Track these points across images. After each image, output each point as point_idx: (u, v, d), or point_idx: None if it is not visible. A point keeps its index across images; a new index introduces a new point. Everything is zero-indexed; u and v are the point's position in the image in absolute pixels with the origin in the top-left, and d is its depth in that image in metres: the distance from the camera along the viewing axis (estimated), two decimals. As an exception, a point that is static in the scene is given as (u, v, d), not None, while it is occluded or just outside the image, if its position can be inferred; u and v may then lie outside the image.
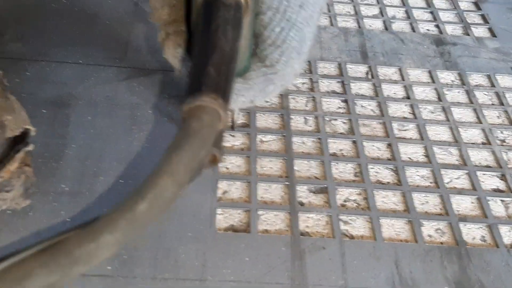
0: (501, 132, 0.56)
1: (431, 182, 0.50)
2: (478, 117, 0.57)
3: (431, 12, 0.71)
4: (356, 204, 0.48)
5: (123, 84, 0.54)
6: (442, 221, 0.47)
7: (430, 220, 0.47)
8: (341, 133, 0.54)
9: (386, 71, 0.61)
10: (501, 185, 0.51)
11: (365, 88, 0.59)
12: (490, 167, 0.52)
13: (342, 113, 0.56)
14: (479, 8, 0.73)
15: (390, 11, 0.71)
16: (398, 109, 0.57)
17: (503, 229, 0.47)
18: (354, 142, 0.53)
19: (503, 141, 0.55)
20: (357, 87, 0.59)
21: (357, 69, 0.61)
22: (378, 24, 0.68)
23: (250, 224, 0.45)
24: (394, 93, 0.59)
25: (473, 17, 0.72)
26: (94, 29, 0.61)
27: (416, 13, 0.71)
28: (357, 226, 0.46)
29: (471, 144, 0.54)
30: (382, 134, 0.54)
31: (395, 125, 0.55)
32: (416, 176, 0.51)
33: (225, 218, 0.45)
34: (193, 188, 0.47)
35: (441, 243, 0.45)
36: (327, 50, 0.63)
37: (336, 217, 0.46)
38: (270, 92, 0.38)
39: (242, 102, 0.39)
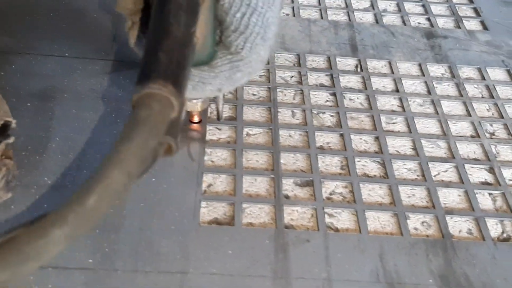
0: (491, 125, 0.55)
1: (418, 175, 0.50)
2: (467, 110, 0.57)
3: (423, 5, 0.71)
4: (342, 197, 0.47)
5: (109, 77, 0.54)
6: (428, 214, 0.46)
7: (416, 213, 0.46)
8: (328, 126, 0.53)
9: (375, 64, 0.61)
10: (489, 178, 0.50)
11: (354, 81, 0.59)
12: (478, 160, 0.52)
13: (330, 106, 0.56)
14: (471, 1, 0.73)
15: (381, 4, 0.70)
16: (387, 102, 0.57)
17: (490, 222, 0.47)
18: (341, 135, 0.53)
19: (493, 134, 0.55)
20: (346, 80, 0.59)
21: (346, 62, 0.61)
22: (369, 17, 0.68)
23: (234, 217, 0.45)
24: (383, 86, 0.58)
25: (465, 10, 0.71)
26: (81, 22, 0.60)
27: (408, 6, 0.70)
28: (342, 219, 0.46)
29: (460, 137, 0.54)
30: (370, 127, 0.54)
31: (383, 118, 0.55)
32: (403, 169, 0.50)
33: (209, 211, 0.45)
34: (177, 181, 0.46)
35: (427, 236, 0.45)
36: (316, 44, 0.62)
37: (321, 210, 0.46)
38: (238, 80, 0.38)
39: (210, 91, 0.38)
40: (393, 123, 0.54)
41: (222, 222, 0.44)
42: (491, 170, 0.51)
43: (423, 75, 0.60)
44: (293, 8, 0.67)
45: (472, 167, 0.51)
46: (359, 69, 0.60)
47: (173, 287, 0.39)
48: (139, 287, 0.39)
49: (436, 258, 0.43)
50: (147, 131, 0.25)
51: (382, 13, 0.68)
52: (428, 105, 0.57)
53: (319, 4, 0.69)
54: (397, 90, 0.58)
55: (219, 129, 0.52)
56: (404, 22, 0.67)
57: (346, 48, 0.62)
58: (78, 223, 0.22)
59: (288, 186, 0.48)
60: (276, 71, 0.58)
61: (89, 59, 0.56)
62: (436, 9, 0.71)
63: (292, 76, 0.58)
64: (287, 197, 0.47)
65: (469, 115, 0.56)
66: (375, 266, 0.42)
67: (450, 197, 0.48)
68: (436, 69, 0.61)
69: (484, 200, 0.48)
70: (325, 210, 0.46)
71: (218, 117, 0.51)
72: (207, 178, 0.47)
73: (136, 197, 0.44)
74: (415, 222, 0.46)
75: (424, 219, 0.46)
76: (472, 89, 0.59)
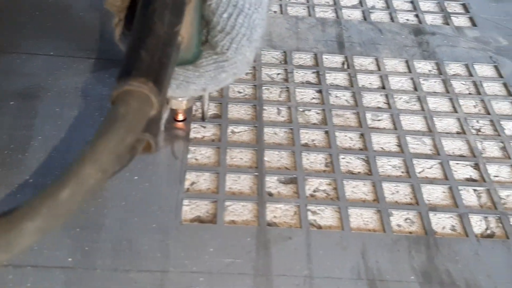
0: (477, 122, 0.55)
1: (402, 172, 0.50)
2: (454, 107, 0.56)
3: (411, 2, 0.71)
4: (326, 194, 0.47)
5: (93, 76, 0.54)
6: (412, 210, 0.46)
7: (400, 209, 0.46)
8: (314, 124, 0.53)
9: (362, 61, 0.61)
10: (474, 174, 0.50)
11: (340, 78, 0.58)
12: (463, 156, 0.52)
13: (316, 103, 0.55)
14: (460, -2, 0.72)
15: (369, 1, 0.70)
16: (373, 99, 0.56)
17: (474, 219, 0.47)
18: (326, 132, 0.52)
19: (479, 130, 0.54)
20: (332, 78, 0.58)
21: (333, 60, 0.60)
22: (357, 14, 0.68)
23: (217, 215, 0.44)
24: (370, 83, 0.58)
25: (454, 7, 0.71)
26: (67, 21, 0.60)
27: (396, 3, 0.70)
28: (326, 216, 0.46)
29: (446, 134, 0.53)
30: (355, 124, 0.53)
31: (368, 115, 0.55)
32: (388, 165, 0.50)
33: (192, 209, 0.45)
34: (160, 179, 0.46)
35: (410, 232, 0.45)
36: (303, 41, 0.62)
37: (304, 207, 0.46)
38: (223, 80, 0.38)
39: (194, 90, 0.38)
40: (379, 120, 0.54)
41: (205, 220, 0.44)
42: (476, 167, 0.51)
43: (410, 72, 0.60)
44: (281, 6, 0.67)
45: (457, 163, 0.51)
46: (345, 66, 0.60)
47: (153, 286, 0.39)
48: (119, 286, 0.39)
49: (418, 255, 0.43)
50: (124, 127, 0.25)
51: (370, 10, 0.68)
52: (414, 101, 0.56)
53: (307, 1, 0.68)
54: (384, 87, 0.58)
55: (204, 127, 0.52)
56: (392, 19, 0.67)
57: (333, 45, 0.62)
58: (50, 216, 0.22)
59: (272, 183, 0.48)
60: (263, 68, 0.58)
61: (74, 58, 0.56)
62: (424, 5, 0.70)
63: (278, 74, 0.58)
64: (270, 194, 0.47)
65: (455, 111, 0.56)
66: (357, 263, 0.42)
67: (434, 194, 0.48)
68: (423, 66, 0.61)
69: (469, 196, 0.48)
70: (308, 207, 0.46)
71: (203, 117, 0.51)
72: (191, 176, 0.47)
73: (118, 195, 0.44)
74: (398, 219, 0.46)
75: (408, 216, 0.46)
76: (459, 86, 0.59)
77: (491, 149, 0.53)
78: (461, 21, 0.68)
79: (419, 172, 0.50)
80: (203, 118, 0.51)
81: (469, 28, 0.67)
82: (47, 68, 0.54)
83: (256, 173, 0.48)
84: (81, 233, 0.42)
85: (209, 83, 0.38)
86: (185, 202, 0.45)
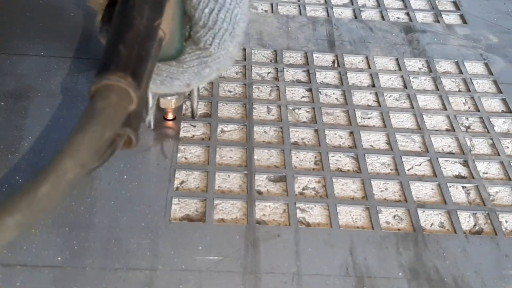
0: (467, 119, 0.56)
1: (391, 169, 0.50)
2: (443, 104, 0.57)
3: (402, 0, 0.71)
4: (315, 192, 0.47)
5: (84, 76, 0.54)
6: (400, 207, 0.47)
7: (388, 206, 0.47)
8: (303, 122, 0.53)
9: (352, 60, 0.61)
10: (463, 171, 0.50)
11: (330, 76, 0.59)
12: (453, 153, 0.52)
13: (306, 102, 0.56)
14: (451, -5, 0.73)
15: (360, 0, 0.70)
16: (363, 97, 0.57)
17: (463, 215, 0.47)
18: (316, 130, 0.53)
19: (468, 127, 0.55)
20: (322, 76, 0.59)
21: (324, 58, 0.61)
22: (347, 13, 0.68)
23: (206, 213, 0.45)
24: (360, 82, 0.58)
25: (445, 4, 0.71)
26: (58, 21, 0.60)
27: (387, 1, 0.70)
28: (314, 213, 0.46)
29: (435, 131, 0.54)
30: (345, 122, 0.54)
31: (358, 113, 0.55)
32: (377, 163, 0.50)
33: (181, 207, 0.45)
34: (149, 178, 0.46)
35: (398, 229, 0.45)
36: (294, 40, 0.62)
37: (293, 205, 0.46)
38: (206, 75, 0.38)
39: (178, 86, 0.38)
40: (368, 118, 0.54)
41: (194, 218, 0.44)
42: (465, 163, 0.51)
43: (400, 70, 0.60)
44: (271, 5, 0.67)
45: (446, 160, 0.51)
46: (336, 65, 0.60)
47: (142, 284, 0.39)
48: (108, 284, 0.39)
49: (406, 252, 0.43)
50: (103, 122, 0.25)
51: (361, 8, 0.68)
52: (404, 99, 0.57)
53: (298, 0, 0.69)
54: (374, 85, 0.58)
55: (194, 126, 0.52)
56: (383, 17, 0.67)
57: (323, 44, 0.62)
58: (29, 211, 0.22)
59: (261, 181, 0.48)
60: (253, 67, 0.59)
61: (65, 58, 0.56)
62: (415, 3, 0.71)
63: (268, 73, 0.58)
64: (259, 192, 0.47)
65: (445, 109, 0.56)
66: (345, 260, 0.42)
67: (423, 191, 0.48)
68: (414, 64, 0.61)
69: (457, 193, 0.49)
70: (297, 205, 0.46)
71: (193, 115, 0.51)
72: (180, 175, 0.48)
73: (107, 194, 0.44)
74: (387, 216, 0.46)
75: (396, 213, 0.46)
76: (449, 83, 0.59)
77: (480, 146, 0.53)
78: (451, 18, 0.69)
79: (408, 170, 0.50)
80: (192, 116, 0.51)
81: (460, 25, 0.67)
82: (38, 69, 0.54)
83: (245, 172, 0.48)
84: (70, 232, 0.42)
85: (193, 79, 0.38)
86: (175, 200, 0.45)
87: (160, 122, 0.51)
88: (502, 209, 0.47)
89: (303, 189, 0.48)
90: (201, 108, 0.53)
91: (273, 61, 0.60)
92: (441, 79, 0.59)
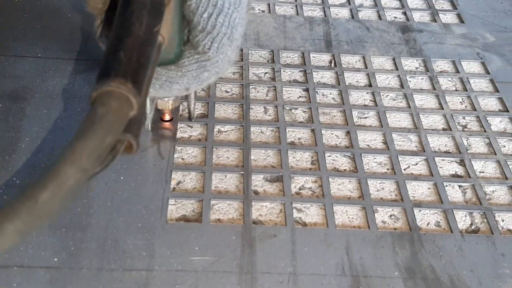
0: (463, 118, 0.56)
1: (388, 169, 0.50)
2: (440, 103, 0.57)
3: (399, 0, 0.71)
4: (311, 192, 0.47)
5: (81, 77, 0.54)
6: (397, 207, 0.47)
7: (385, 206, 0.47)
8: (300, 122, 0.54)
9: (349, 59, 0.61)
10: (459, 170, 0.51)
11: (327, 76, 0.59)
12: (449, 152, 0.52)
13: (303, 102, 0.56)
14: (448, -5, 0.73)
15: None
16: (360, 97, 0.57)
17: (459, 214, 0.47)
18: (312, 130, 0.53)
19: (465, 126, 0.55)
20: (319, 76, 0.59)
21: (321, 58, 0.61)
22: (344, 13, 0.68)
23: (202, 213, 0.45)
24: (357, 81, 0.59)
25: (442, 3, 0.71)
26: (55, 22, 0.60)
27: (384, 1, 0.70)
28: (311, 213, 0.46)
29: (432, 130, 0.54)
30: (342, 122, 0.54)
31: (355, 113, 0.55)
32: (373, 163, 0.50)
33: (178, 208, 0.45)
34: (146, 179, 0.46)
35: (394, 229, 0.45)
36: (291, 40, 0.63)
37: (290, 205, 0.46)
38: (205, 79, 0.38)
39: (177, 90, 0.38)
40: (365, 118, 0.54)
41: (190, 219, 0.45)
42: (461, 163, 0.51)
43: (397, 69, 0.60)
44: (268, 5, 0.67)
45: (443, 159, 0.51)
46: (333, 65, 0.60)
47: (138, 285, 0.40)
48: (104, 285, 0.39)
49: (402, 251, 0.43)
50: (104, 128, 0.25)
51: (358, 8, 0.68)
52: (400, 99, 0.57)
53: (295, 0, 0.69)
54: (370, 85, 0.58)
55: (191, 127, 0.52)
56: (380, 17, 0.67)
57: (320, 44, 0.62)
58: (30, 218, 0.22)
59: (258, 182, 0.48)
60: (250, 67, 0.59)
61: (62, 59, 0.56)
62: (412, 3, 0.71)
63: (266, 73, 0.59)
64: (256, 193, 0.47)
65: (442, 108, 0.56)
66: (341, 259, 0.42)
67: (419, 190, 0.48)
68: (410, 63, 0.61)
69: (454, 192, 0.49)
70: (294, 205, 0.46)
71: (190, 117, 0.51)
72: (177, 176, 0.48)
73: (103, 195, 0.45)
74: (383, 215, 0.46)
75: (392, 212, 0.46)
76: (445, 82, 0.59)
77: (477, 145, 0.53)
78: (448, 18, 0.69)
79: (405, 169, 0.50)
80: (190, 118, 0.52)
81: (457, 24, 0.67)
82: (35, 70, 0.54)
83: (242, 172, 0.48)
84: (66, 233, 0.42)
85: (191, 83, 0.39)
86: (171, 201, 0.46)
87: (157, 123, 0.51)
88: (498, 208, 0.47)
89: (300, 189, 0.48)
90: (198, 108, 0.54)
91: (270, 61, 0.60)
92: (438, 78, 0.59)
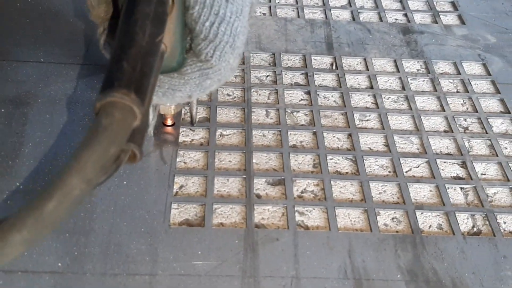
0: (465, 120, 0.56)
1: (389, 171, 0.50)
2: (441, 105, 0.57)
3: (400, 1, 0.71)
4: (313, 195, 0.48)
5: (84, 82, 0.54)
6: (399, 209, 0.47)
7: (387, 209, 0.47)
8: (302, 125, 0.54)
9: (351, 62, 0.61)
10: (461, 172, 0.51)
11: (328, 79, 0.59)
12: (451, 154, 0.52)
13: (305, 105, 0.56)
14: (449, -4, 0.73)
15: (358, 1, 0.70)
16: (361, 99, 0.57)
17: (461, 217, 0.47)
18: (314, 133, 0.53)
19: (466, 128, 0.55)
20: (321, 79, 0.59)
21: (322, 61, 0.61)
22: (345, 15, 0.68)
23: (205, 218, 0.45)
24: (358, 84, 0.59)
25: (443, 5, 0.71)
26: (58, 27, 0.61)
27: (385, 3, 0.70)
28: (313, 216, 0.46)
29: (433, 132, 0.54)
30: (343, 125, 0.54)
31: (356, 115, 0.55)
32: (375, 165, 0.50)
33: (180, 212, 0.45)
34: (149, 184, 0.47)
35: (397, 231, 0.45)
36: (292, 42, 0.63)
37: (292, 208, 0.46)
38: (208, 87, 0.38)
39: (180, 97, 0.39)
40: (367, 120, 0.55)
41: (193, 223, 0.45)
42: (463, 165, 0.51)
43: (398, 71, 0.60)
44: (270, 8, 0.68)
45: (445, 162, 0.51)
46: (334, 67, 0.60)
47: (141, 289, 0.40)
48: (108, 290, 0.40)
49: (404, 254, 0.43)
50: (108, 138, 0.25)
51: (359, 10, 0.68)
52: (402, 101, 0.57)
53: (296, 2, 0.69)
54: (372, 87, 0.58)
55: (193, 131, 0.52)
56: (381, 19, 0.67)
57: (322, 46, 0.62)
58: (36, 228, 0.23)
59: (260, 185, 0.48)
60: (251, 71, 0.59)
61: (64, 64, 0.56)
62: (413, 4, 0.71)
63: (267, 76, 0.59)
64: (258, 196, 0.47)
65: (443, 110, 0.56)
66: (343, 262, 0.42)
67: (421, 193, 0.48)
68: (412, 65, 0.61)
69: (456, 194, 0.49)
70: (296, 208, 0.46)
71: (192, 121, 0.51)
72: (179, 180, 0.48)
73: (106, 200, 0.45)
74: (385, 218, 0.46)
75: (394, 215, 0.47)
76: (447, 84, 0.59)
77: (479, 147, 0.53)
78: (449, 19, 0.69)
79: (406, 172, 0.50)
80: (192, 122, 0.52)
81: (458, 26, 0.67)
82: (38, 75, 0.55)
83: (244, 176, 0.48)
84: (70, 238, 0.42)
85: (194, 90, 0.39)
86: (174, 205, 0.46)
87: (159, 128, 0.51)
88: (500, 210, 0.47)
89: (302, 192, 0.48)
90: (200, 112, 0.54)
91: (271, 64, 0.60)
92: (439, 80, 0.60)
